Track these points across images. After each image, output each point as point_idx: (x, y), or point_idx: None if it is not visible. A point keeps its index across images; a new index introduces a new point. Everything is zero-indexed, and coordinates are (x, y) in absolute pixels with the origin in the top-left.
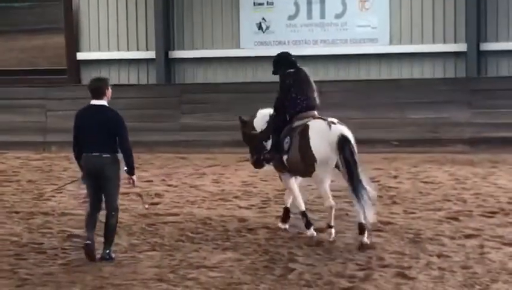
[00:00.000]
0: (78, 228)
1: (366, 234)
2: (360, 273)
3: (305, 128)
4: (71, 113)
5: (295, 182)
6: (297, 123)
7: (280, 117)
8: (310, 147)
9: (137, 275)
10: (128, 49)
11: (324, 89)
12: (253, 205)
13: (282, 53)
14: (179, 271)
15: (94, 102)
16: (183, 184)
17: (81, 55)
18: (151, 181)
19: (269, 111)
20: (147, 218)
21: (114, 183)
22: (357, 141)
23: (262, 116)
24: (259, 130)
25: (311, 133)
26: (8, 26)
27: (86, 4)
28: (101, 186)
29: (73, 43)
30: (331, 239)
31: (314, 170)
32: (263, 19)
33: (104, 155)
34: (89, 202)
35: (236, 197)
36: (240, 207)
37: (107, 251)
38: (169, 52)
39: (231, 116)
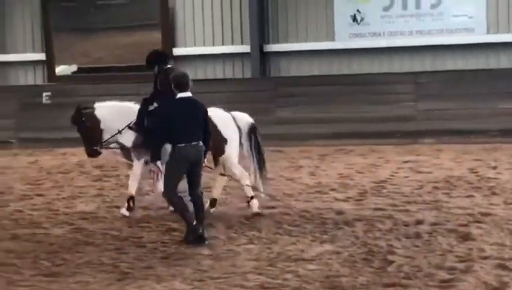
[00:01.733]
0: (177, 221)
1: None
2: (460, 265)
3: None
4: None
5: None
6: None
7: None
8: (220, 132)
9: (236, 268)
10: (223, 44)
11: (420, 80)
12: (350, 198)
13: (156, 50)
14: (277, 264)
15: (183, 95)
16: (280, 177)
17: (177, 51)
18: (248, 175)
19: (113, 103)
20: (244, 211)
21: (201, 169)
22: (454, 132)
23: (110, 108)
24: (106, 122)
25: (216, 120)
26: (104, 23)
27: (181, 0)
28: (192, 173)
29: (169, 39)
30: (255, 211)
31: (224, 153)
32: (358, 10)
33: (200, 144)
34: (175, 187)
35: (333, 189)
36: (337, 199)
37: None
38: (264, 46)
39: (327, 108)
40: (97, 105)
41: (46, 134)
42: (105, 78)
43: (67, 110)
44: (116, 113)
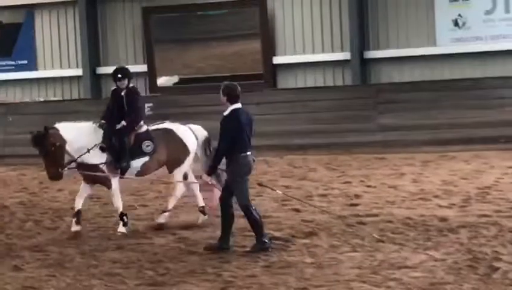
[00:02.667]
0: (278, 230)
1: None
2: None
3: (170, 131)
4: (268, 118)
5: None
6: (152, 128)
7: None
8: (186, 145)
9: (339, 276)
10: (323, 51)
11: None
12: (453, 204)
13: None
14: (381, 272)
15: (238, 106)
16: (382, 185)
17: (277, 60)
18: (350, 182)
19: (75, 124)
20: (346, 219)
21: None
22: None
23: (74, 129)
24: (73, 142)
25: (180, 133)
26: (205, 34)
27: (280, 8)
28: None
29: (270, 48)
30: (160, 221)
31: (182, 164)
32: (459, 15)
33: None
34: (249, 197)
35: (436, 196)
36: (441, 206)
37: None
38: (364, 53)
39: (429, 114)
40: (60, 126)
41: None
42: (207, 89)
43: (170, 120)
44: (83, 134)
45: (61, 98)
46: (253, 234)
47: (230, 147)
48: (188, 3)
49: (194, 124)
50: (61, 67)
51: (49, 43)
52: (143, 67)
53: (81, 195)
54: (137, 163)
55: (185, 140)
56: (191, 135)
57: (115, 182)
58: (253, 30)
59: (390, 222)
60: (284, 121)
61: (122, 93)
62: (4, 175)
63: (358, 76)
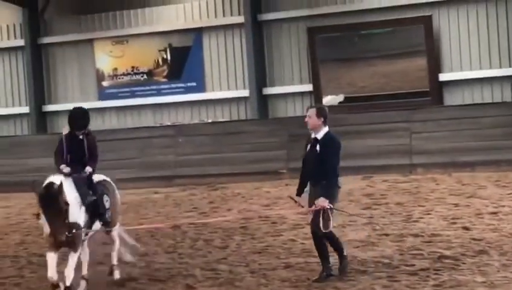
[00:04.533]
0: (448, 248)
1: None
2: None
3: (108, 182)
4: (435, 135)
5: None
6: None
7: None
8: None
9: None
10: (490, 67)
11: None
12: None
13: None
14: None
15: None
16: None
17: (443, 76)
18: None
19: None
20: None
21: None
22: None
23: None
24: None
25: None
26: (370, 52)
27: (446, 25)
28: None
29: (435, 65)
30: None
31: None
32: None
33: None
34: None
35: None
36: None
37: None
38: None
39: None
40: (61, 179)
41: None
42: (373, 107)
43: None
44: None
45: (228, 119)
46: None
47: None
48: (353, 23)
49: (357, 141)
50: (228, 88)
51: (216, 65)
52: (308, 87)
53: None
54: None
55: (116, 191)
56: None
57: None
58: (419, 47)
59: None
60: (451, 138)
61: (81, 137)
62: (175, 195)
63: None
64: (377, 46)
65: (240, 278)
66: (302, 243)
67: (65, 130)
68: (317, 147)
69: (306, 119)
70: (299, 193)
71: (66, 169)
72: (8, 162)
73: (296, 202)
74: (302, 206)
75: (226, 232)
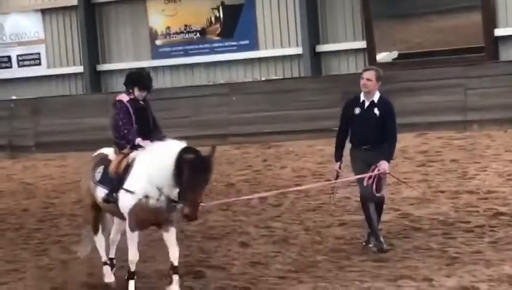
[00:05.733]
0: (504, 205)
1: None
2: None
3: None
4: (490, 91)
5: None
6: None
7: None
8: None
9: None
10: None
11: None
12: None
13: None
14: None
15: None
16: None
17: (498, 32)
18: None
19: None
20: None
21: None
22: None
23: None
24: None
25: None
26: (425, 8)
27: None
28: None
29: (491, 20)
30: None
31: None
32: None
33: None
34: None
35: None
36: None
37: None
38: None
39: None
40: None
41: None
42: (427, 63)
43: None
44: None
45: (281, 77)
46: None
47: None
48: None
49: (411, 98)
50: (281, 46)
51: (269, 22)
52: (362, 44)
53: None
54: None
55: None
56: None
57: None
58: (474, 2)
59: None
60: (506, 94)
61: (142, 102)
62: (229, 153)
63: None
64: (432, 2)
65: (294, 236)
66: (356, 201)
67: (124, 96)
68: (376, 110)
69: (364, 82)
70: (338, 158)
71: (145, 142)
72: (64, 122)
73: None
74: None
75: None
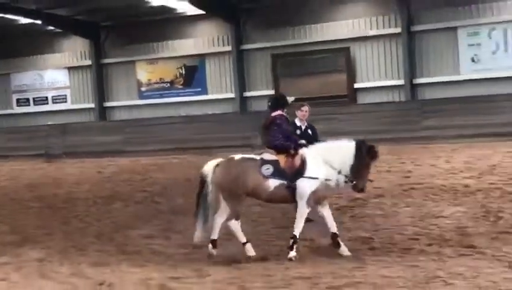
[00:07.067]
0: None
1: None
2: None
3: None
4: (353, 122)
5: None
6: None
7: None
8: None
9: None
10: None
11: None
12: (473, 176)
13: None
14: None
15: None
16: None
17: (357, 85)
18: None
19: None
20: None
21: None
22: None
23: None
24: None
25: None
26: (311, 70)
27: (358, 53)
28: None
29: (352, 77)
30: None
31: None
32: None
33: None
34: None
35: (461, 171)
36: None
37: None
38: None
39: None
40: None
41: None
42: (313, 104)
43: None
44: None
45: (223, 112)
46: None
47: None
48: (302, 51)
49: None
50: (222, 92)
51: (214, 76)
52: (272, 92)
53: None
54: None
55: None
56: None
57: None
58: (341, 67)
59: (431, 188)
60: (363, 124)
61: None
62: (187, 160)
63: None
64: (315, 66)
65: None
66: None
67: (280, 112)
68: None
69: (305, 113)
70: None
71: (303, 142)
72: (81, 139)
73: None
74: None
75: None
